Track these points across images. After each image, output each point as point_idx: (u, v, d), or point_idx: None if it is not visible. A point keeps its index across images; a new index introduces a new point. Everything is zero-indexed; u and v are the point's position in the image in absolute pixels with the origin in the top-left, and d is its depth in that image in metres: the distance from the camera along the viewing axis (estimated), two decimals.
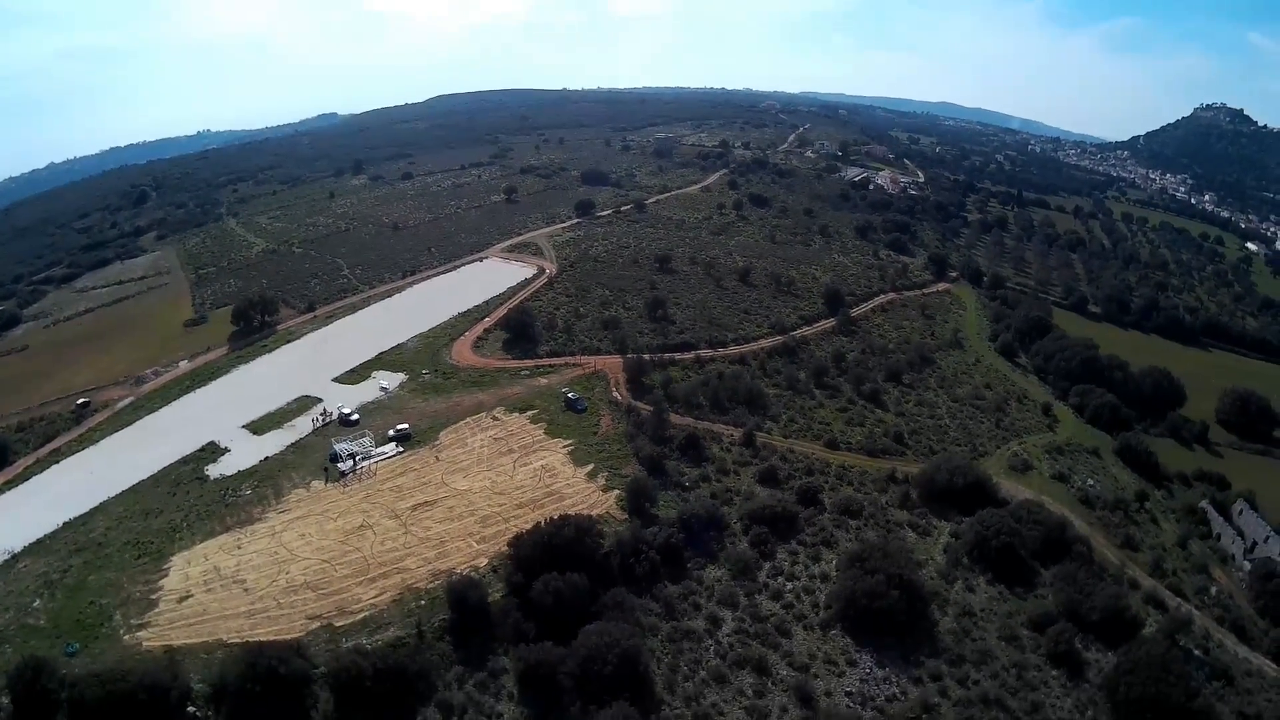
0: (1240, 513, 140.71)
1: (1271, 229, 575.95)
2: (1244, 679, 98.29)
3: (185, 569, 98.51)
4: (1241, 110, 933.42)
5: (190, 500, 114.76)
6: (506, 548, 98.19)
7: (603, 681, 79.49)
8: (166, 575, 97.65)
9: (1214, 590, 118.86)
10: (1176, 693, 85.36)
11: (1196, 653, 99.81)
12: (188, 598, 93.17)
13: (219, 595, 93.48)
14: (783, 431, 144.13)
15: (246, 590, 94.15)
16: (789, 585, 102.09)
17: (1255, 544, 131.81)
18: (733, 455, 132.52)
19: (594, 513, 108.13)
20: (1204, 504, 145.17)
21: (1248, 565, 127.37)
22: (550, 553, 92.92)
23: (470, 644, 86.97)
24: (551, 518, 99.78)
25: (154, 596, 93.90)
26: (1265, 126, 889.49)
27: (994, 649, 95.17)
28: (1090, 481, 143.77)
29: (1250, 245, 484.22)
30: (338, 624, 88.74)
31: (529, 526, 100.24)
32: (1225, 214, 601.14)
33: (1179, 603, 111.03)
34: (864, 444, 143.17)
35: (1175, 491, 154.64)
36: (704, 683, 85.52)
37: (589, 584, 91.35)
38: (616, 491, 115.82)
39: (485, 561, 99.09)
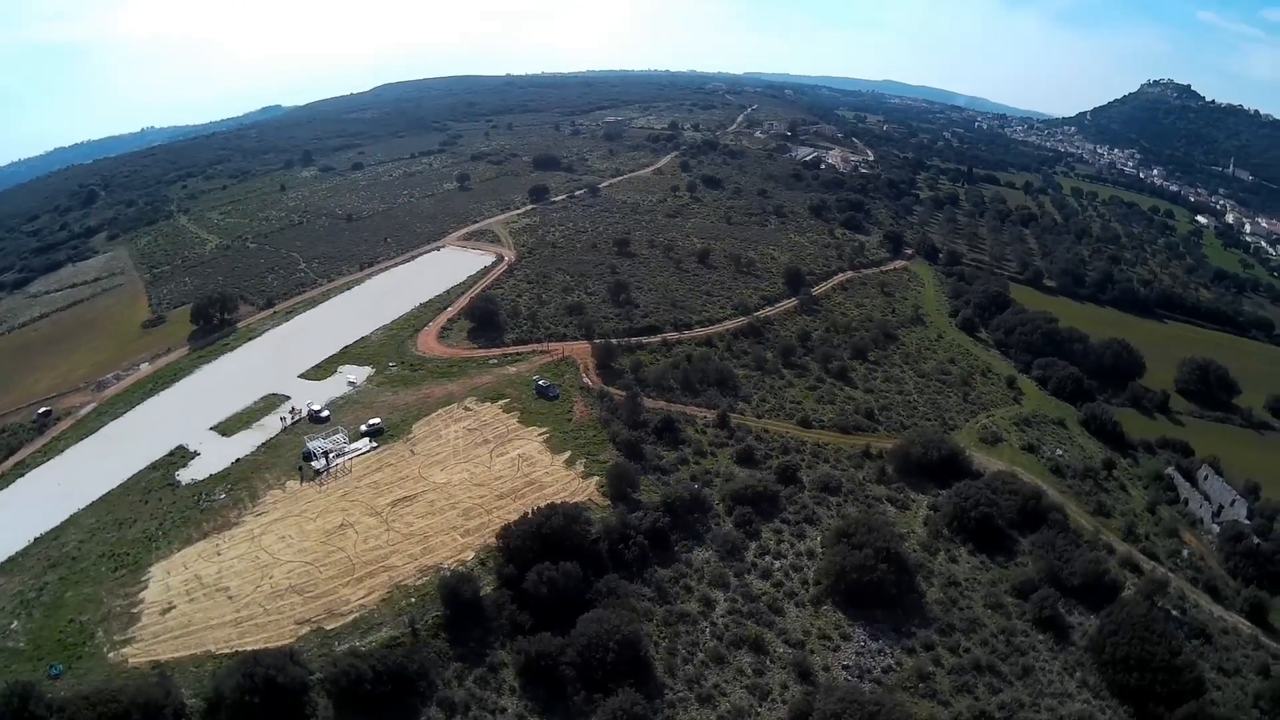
0: (1206, 478, 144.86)
1: (1220, 202, 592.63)
2: (1221, 636, 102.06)
3: (165, 579, 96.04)
4: (1189, 86, 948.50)
5: (163, 507, 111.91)
6: (494, 540, 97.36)
7: (605, 669, 79.62)
8: (146, 587, 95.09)
9: (1185, 553, 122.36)
10: (1161, 650, 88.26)
11: (1174, 613, 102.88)
12: (171, 609, 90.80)
13: (203, 605, 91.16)
14: (755, 411, 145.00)
15: (231, 598, 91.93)
16: (777, 563, 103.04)
17: (1222, 508, 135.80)
18: (708, 437, 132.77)
19: (576, 500, 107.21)
20: (1170, 470, 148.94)
21: (1216, 528, 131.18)
22: (540, 542, 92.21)
23: (466, 639, 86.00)
24: (538, 507, 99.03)
25: (136, 610, 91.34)
26: (1213, 101, 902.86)
27: (981, 617, 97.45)
28: (1059, 451, 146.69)
29: (1200, 218, 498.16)
30: (328, 627, 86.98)
31: (514, 517, 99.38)
32: (1174, 188, 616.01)
33: (1153, 566, 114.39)
34: (836, 421, 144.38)
35: (1140, 459, 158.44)
36: (703, 664, 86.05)
37: (581, 572, 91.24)
38: (596, 478, 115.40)
39: (471, 555, 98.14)
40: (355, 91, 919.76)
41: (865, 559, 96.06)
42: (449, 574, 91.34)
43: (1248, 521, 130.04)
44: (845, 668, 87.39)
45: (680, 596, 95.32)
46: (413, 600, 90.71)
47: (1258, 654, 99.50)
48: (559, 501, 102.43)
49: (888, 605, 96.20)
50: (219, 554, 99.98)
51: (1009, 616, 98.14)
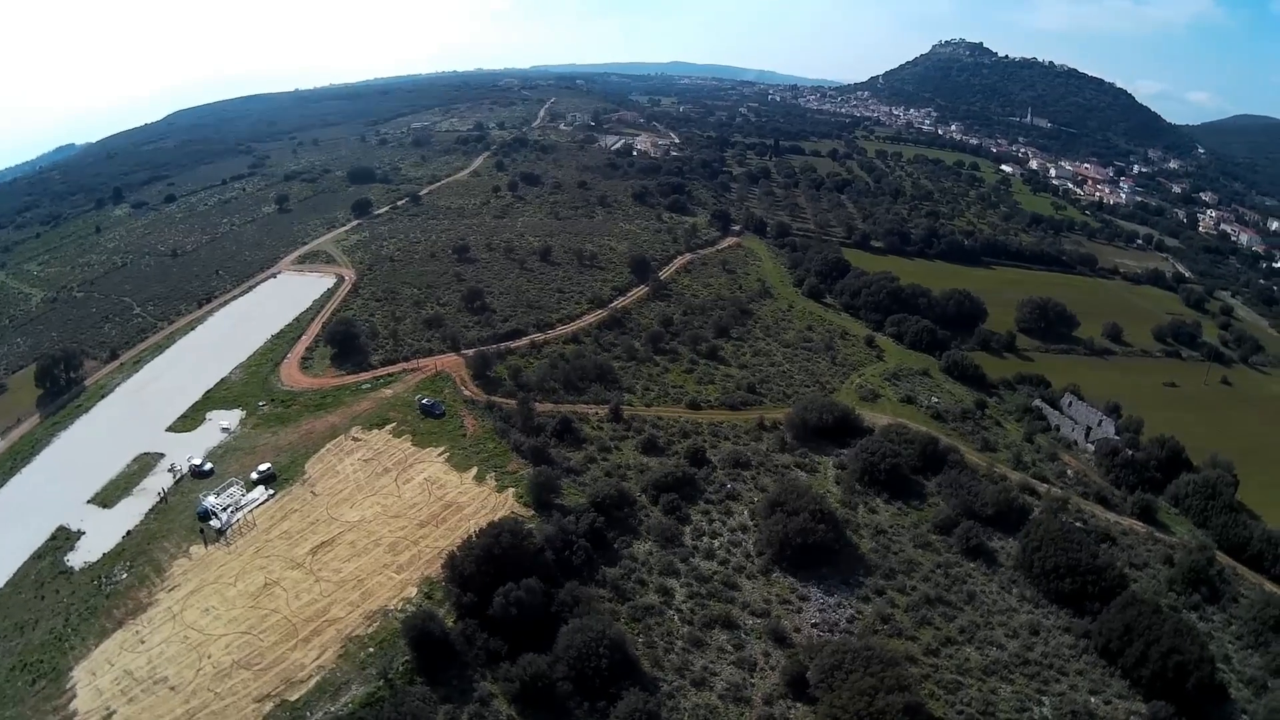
0: (1070, 404, 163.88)
1: (1022, 150, 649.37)
2: (1122, 538, 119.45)
3: (93, 682, 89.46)
4: (981, 43, 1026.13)
5: (64, 600, 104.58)
6: (434, 571, 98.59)
7: (601, 676, 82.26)
8: (75, 695, 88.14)
9: (1070, 472, 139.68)
10: (1083, 556, 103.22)
11: (1079, 524, 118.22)
12: (111, 715, 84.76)
13: (145, 703, 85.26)
14: (643, 401, 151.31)
15: (173, 688, 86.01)
16: (715, 543, 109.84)
17: (1090, 428, 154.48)
18: (607, 432, 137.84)
19: (498, 515, 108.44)
20: (1036, 402, 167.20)
21: (1091, 447, 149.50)
22: (494, 564, 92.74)
23: (445, 679, 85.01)
24: (480, 529, 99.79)
25: None
26: (1007, 56, 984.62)
27: (915, 557, 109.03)
28: (934, 399, 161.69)
29: (1005, 167, 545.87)
30: (292, 698, 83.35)
31: (442, 545, 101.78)
32: (974, 141, 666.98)
33: (1047, 488, 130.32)
34: (723, 400, 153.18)
35: (1005, 396, 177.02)
36: (685, 651, 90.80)
37: (542, 586, 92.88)
38: (512, 489, 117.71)
39: (414, 590, 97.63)
40: (149, 121, 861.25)
41: (804, 523, 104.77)
42: (409, 614, 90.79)
43: (1117, 437, 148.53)
44: (814, 625, 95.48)
45: (637, 591, 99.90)
46: (371, 650, 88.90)
47: (1157, 548, 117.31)
48: (494, 520, 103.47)
49: (830, 562, 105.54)
50: (142, 642, 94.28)
51: (939, 552, 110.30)
